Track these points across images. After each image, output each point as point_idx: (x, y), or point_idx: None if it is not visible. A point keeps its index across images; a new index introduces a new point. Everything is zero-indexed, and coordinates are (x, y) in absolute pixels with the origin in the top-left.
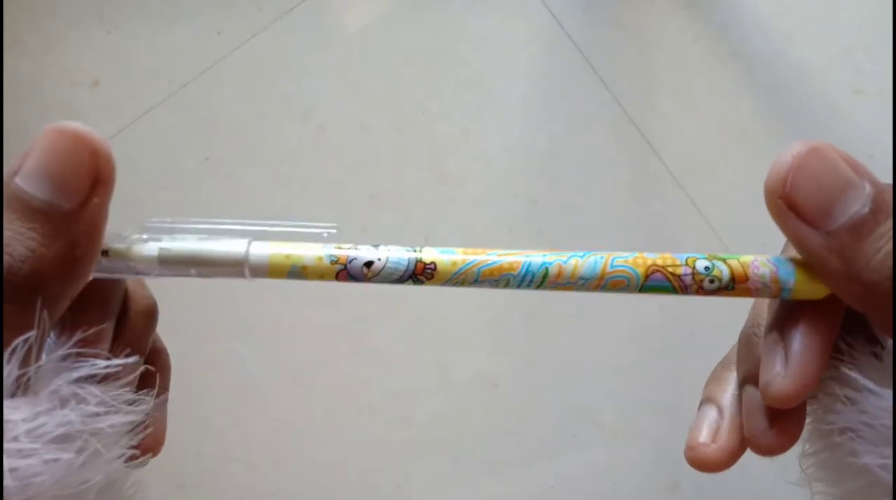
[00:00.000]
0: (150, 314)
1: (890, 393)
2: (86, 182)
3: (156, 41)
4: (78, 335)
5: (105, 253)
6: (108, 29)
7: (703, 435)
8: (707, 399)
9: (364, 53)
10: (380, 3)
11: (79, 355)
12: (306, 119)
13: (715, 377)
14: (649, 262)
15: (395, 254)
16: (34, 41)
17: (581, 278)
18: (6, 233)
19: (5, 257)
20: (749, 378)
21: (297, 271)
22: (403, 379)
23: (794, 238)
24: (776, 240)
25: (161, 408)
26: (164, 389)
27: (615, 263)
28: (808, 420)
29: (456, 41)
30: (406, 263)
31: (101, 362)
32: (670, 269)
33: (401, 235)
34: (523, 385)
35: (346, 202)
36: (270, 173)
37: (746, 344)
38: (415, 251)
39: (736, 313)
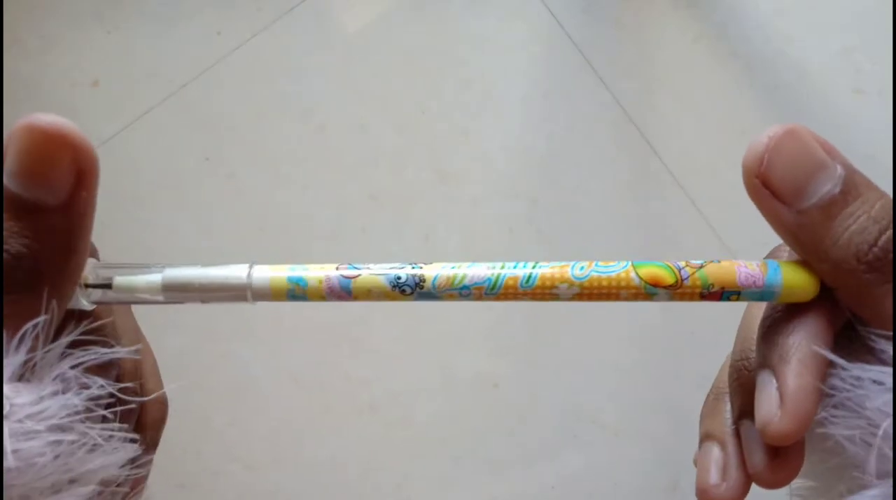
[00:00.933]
0: (163, 410)
1: (858, 366)
2: (68, 176)
3: (156, 41)
4: (84, 325)
5: (108, 286)
6: (108, 29)
7: (713, 477)
8: (707, 436)
9: (364, 53)
10: (380, 3)
11: (85, 343)
12: (306, 119)
13: (710, 411)
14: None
15: (395, 269)
16: (34, 41)
17: (572, 260)
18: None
19: (4, 256)
20: (744, 413)
21: (298, 294)
22: (403, 379)
23: (769, 216)
24: (776, 241)
25: (146, 459)
26: (154, 443)
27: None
28: None
29: (456, 41)
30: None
31: (106, 350)
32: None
33: (401, 235)
34: (524, 385)
35: (346, 202)
36: (270, 173)
37: (737, 378)
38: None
39: (736, 314)
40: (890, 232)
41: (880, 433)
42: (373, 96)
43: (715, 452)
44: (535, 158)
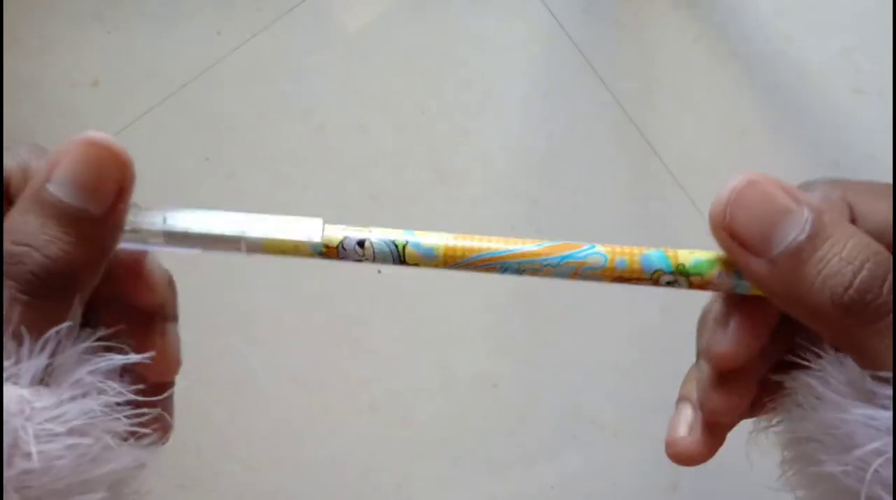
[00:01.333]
0: (171, 282)
1: (849, 403)
2: (113, 190)
3: (156, 41)
4: (101, 331)
5: None
6: (108, 29)
7: (681, 430)
8: (682, 398)
9: (364, 53)
10: (380, 3)
11: (102, 349)
12: (306, 119)
13: (689, 377)
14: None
15: (384, 234)
16: (34, 41)
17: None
18: (43, 236)
19: (42, 258)
20: (702, 353)
21: (290, 248)
22: (403, 379)
23: (740, 266)
24: None
25: (168, 398)
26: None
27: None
28: (781, 429)
29: (456, 41)
30: (393, 242)
31: (121, 357)
32: (636, 275)
33: None
34: (523, 385)
35: (346, 202)
36: (270, 173)
37: (703, 322)
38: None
39: None
40: (865, 273)
41: (871, 470)
42: (373, 96)
43: (687, 411)
44: (535, 158)
